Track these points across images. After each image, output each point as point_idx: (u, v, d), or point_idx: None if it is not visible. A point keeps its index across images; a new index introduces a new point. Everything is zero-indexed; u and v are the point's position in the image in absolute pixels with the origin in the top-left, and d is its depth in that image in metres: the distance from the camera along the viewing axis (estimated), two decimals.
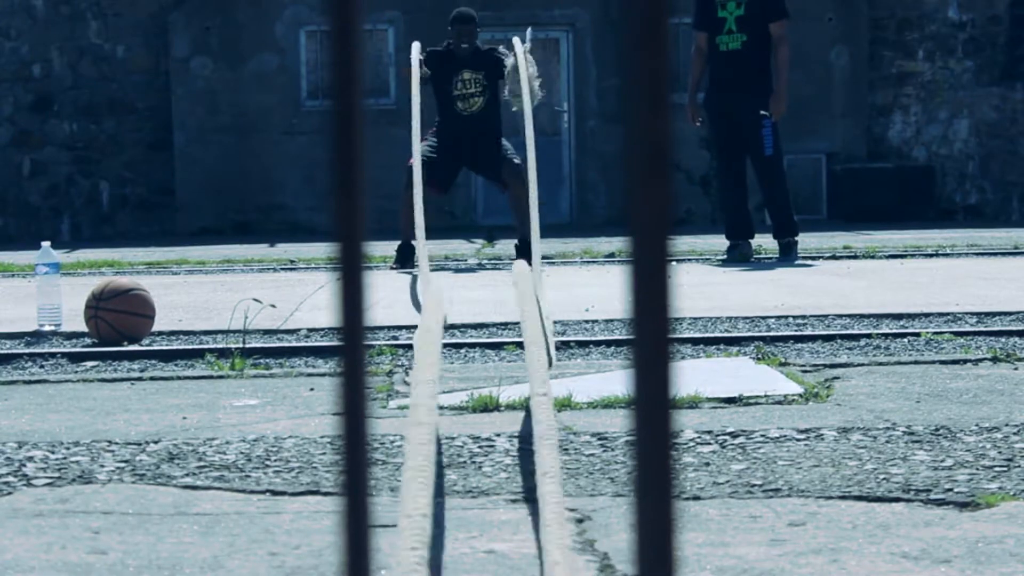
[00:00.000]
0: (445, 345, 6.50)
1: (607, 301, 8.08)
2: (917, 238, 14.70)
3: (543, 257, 12.08)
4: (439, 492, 3.53)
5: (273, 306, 7.29)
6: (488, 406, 4.72)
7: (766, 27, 11.60)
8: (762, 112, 11.52)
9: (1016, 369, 5.52)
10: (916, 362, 5.74)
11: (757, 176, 11.73)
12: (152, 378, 5.67)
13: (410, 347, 6.42)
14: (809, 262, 11.55)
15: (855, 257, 12.21)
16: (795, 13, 11.96)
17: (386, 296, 8.77)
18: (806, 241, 13.22)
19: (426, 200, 11.71)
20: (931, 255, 12.27)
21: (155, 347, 6.60)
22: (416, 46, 10.94)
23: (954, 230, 16.74)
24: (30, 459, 3.99)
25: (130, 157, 20.21)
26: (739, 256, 11.70)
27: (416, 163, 9.01)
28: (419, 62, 10.73)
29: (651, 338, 0.95)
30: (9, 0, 20.10)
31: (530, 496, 3.47)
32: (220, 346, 6.39)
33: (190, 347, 6.49)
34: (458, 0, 15.94)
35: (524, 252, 11.78)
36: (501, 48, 12.01)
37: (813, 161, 20.16)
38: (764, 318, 7.31)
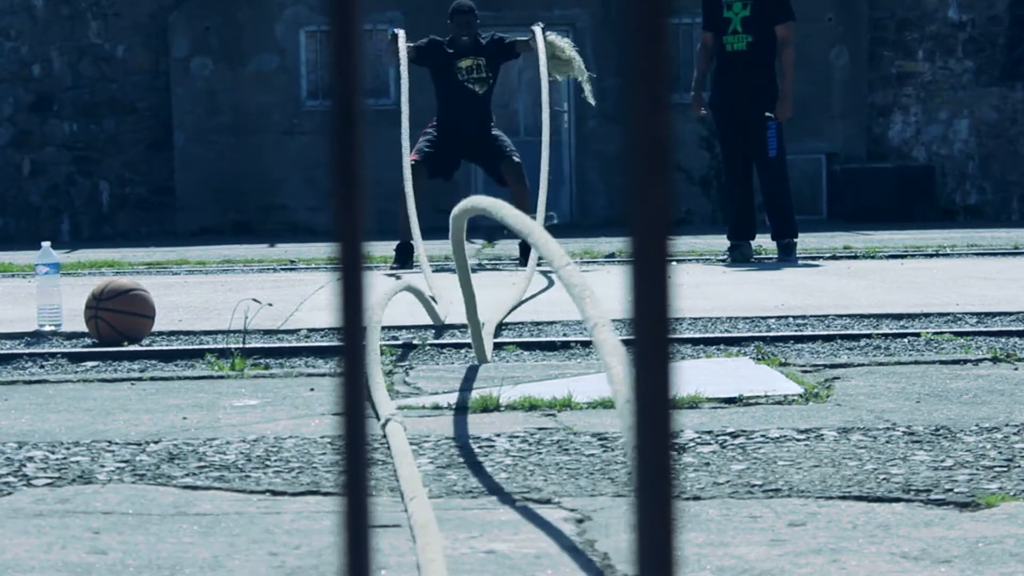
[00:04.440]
0: (446, 345, 6.50)
1: (607, 301, 8.07)
2: (917, 238, 14.71)
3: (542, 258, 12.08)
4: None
5: (270, 304, 7.29)
6: (488, 406, 4.72)
7: (772, 28, 11.61)
8: (767, 114, 11.53)
9: (1016, 369, 5.52)
10: (916, 362, 5.74)
11: (760, 177, 11.74)
12: (152, 378, 5.67)
13: (412, 347, 6.42)
14: (809, 262, 11.56)
15: (855, 257, 12.21)
16: (796, 13, 11.96)
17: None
18: (806, 241, 13.22)
19: (426, 196, 11.74)
20: (931, 255, 12.27)
21: (155, 347, 6.60)
22: (401, 33, 11.08)
23: (954, 230, 16.74)
24: (30, 459, 4.00)
25: (130, 157, 20.20)
26: (739, 256, 11.71)
27: (407, 170, 9.02)
28: (404, 47, 10.85)
29: (651, 338, 0.95)
30: (9, 0, 20.10)
31: (530, 496, 3.47)
32: (220, 346, 6.39)
33: (190, 347, 6.49)
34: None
35: (526, 252, 11.78)
36: (503, 36, 12.05)
37: (813, 161, 20.15)
38: (764, 318, 7.31)
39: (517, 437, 4.19)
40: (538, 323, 7.26)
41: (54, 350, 6.52)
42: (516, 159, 11.59)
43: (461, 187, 18.54)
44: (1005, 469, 3.65)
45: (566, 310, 7.68)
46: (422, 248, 8.22)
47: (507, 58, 11.81)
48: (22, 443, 4.24)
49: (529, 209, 11.78)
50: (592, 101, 11.78)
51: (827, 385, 5.13)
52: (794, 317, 7.35)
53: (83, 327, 6.87)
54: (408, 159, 10.71)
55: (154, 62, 20.15)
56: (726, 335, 6.65)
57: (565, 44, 11.38)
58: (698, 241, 14.71)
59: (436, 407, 4.78)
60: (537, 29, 11.21)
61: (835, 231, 16.57)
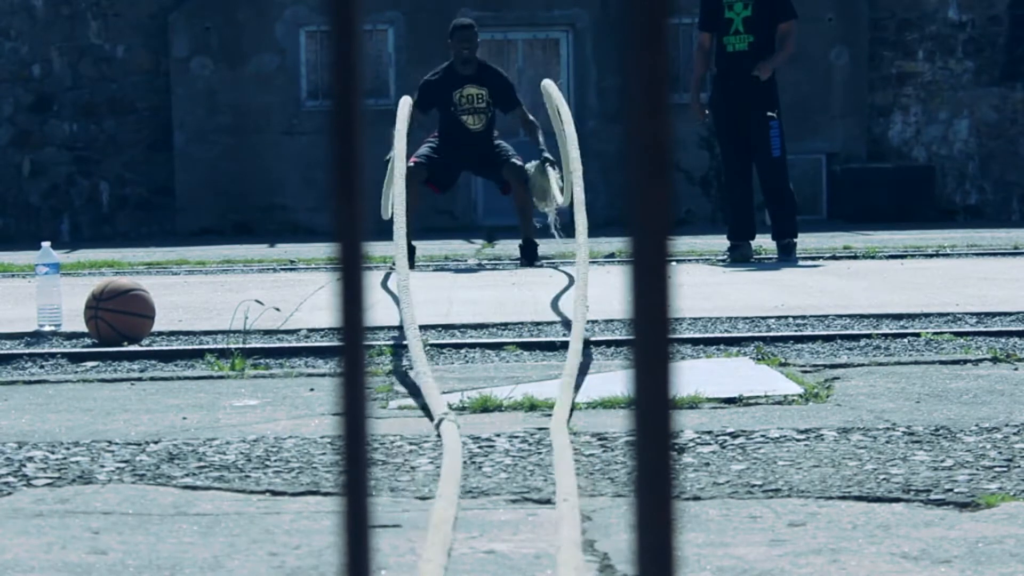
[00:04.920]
0: (445, 345, 6.50)
1: (607, 301, 8.08)
2: (917, 238, 14.70)
3: (543, 257, 12.10)
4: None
5: (277, 309, 7.30)
6: (488, 406, 4.72)
7: (773, 28, 11.61)
8: (768, 114, 11.52)
9: (1016, 369, 5.52)
10: (916, 362, 5.74)
11: (762, 177, 11.73)
12: (152, 378, 5.67)
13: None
14: (809, 262, 11.56)
15: (855, 257, 12.21)
16: (796, 13, 11.96)
17: (386, 296, 8.77)
18: (806, 241, 13.22)
19: (422, 198, 11.73)
20: (931, 255, 12.27)
21: (155, 347, 6.60)
22: (405, 103, 10.60)
23: (954, 230, 16.74)
24: (30, 459, 4.00)
25: (130, 157, 20.20)
26: (739, 256, 11.71)
27: (399, 169, 8.96)
28: (409, 115, 10.66)
29: (651, 338, 0.95)
30: (9, 0, 20.10)
31: (530, 496, 3.47)
32: (220, 346, 6.39)
33: (190, 347, 6.49)
34: (457, 1, 15.95)
35: (527, 253, 11.79)
36: (504, 73, 12.03)
37: (813, 161, 20.16)
38: (764, 318, 7.31)
39: (517, 437, 4.19)
40: (538, 323, 7.26)
41: (54, 350, 6.52)
42: (518, 162, 11.57)
43: (461, 189, 18.54)
44: (1005, 469, 3.65)
45: (566, 310, 7.67)
46: (403, 252, 8.13)
47: (504, 106, 11.68)
48: (22, 443, 4.24)
49: (531, 212, 11.79)
50: (556, 232, 11.31)
51: (827, 385, 5.13)
52: (794, 317, 7.35)
53: (83, 327, 6.87)
54: (405, 162, 10.70)
55: (154, 62, 20.15)
56: (726, 335, 6.65)
57: (553, 179, 11.26)
58: (698, 241, 14.71)
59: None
60: (550, 85, 11.18)
61: (835, 231, 16.57)
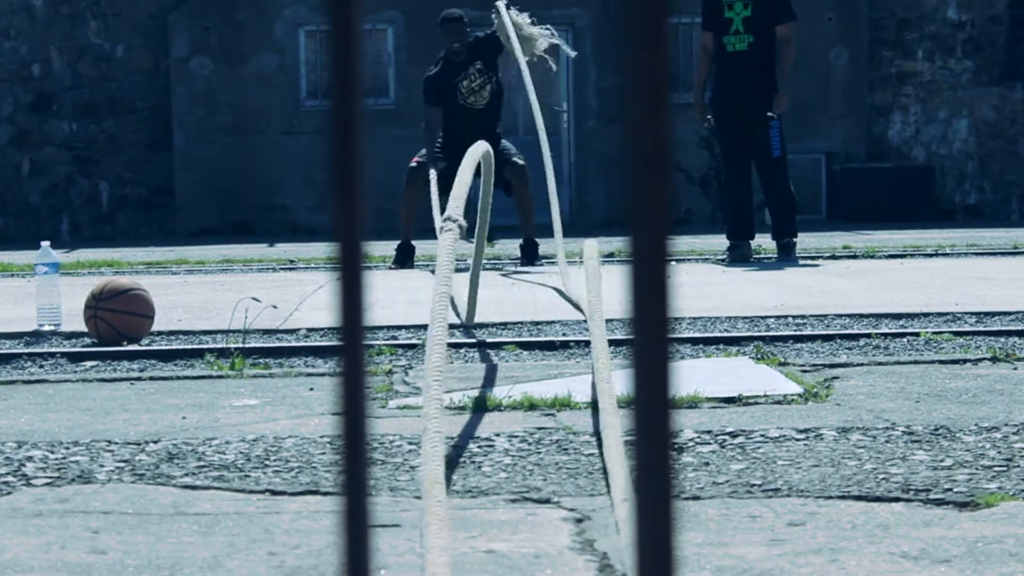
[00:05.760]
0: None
1: (607, 301, 8.07)
2: (917, 238, 14.70)
3: (543, 257, 12.10)
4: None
5: (275, 307, 7.29)
6: (488, 406, 4.72)
7: (773, 28, 11.61)
8: (769, 113, 11.52)
9: (1016, 369, 5.52)
10: (916, 362, 5.74)
11: (761, 177, 11.73)
12: (151, 378, 5.67)
13: (411, 347, 6.43)
14: (809, 262, 11.56)
15: (855, 257, 12.21)
16: (796, 13, 11.96)
17: (385, 296, 8.77)
18: (806, 241, 13.22)
19: (423, 198, 11.73)
20: (931, 255, 12.27)
21: (154, 347, 6.60)
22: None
23: (954, 230, 16.74)
24: (29, 459, 3.99)
25: (130, 157, 20.20)
26: (739, 256, 11.71)
27: (434, 174, 9.01)
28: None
29: (651, 338, 0.95)
30: (9, 0, 20.09)
31: (529, 496, 3.47)
32: (220, 346, 6.39)
33: (190, 347, 6.49)
34: (456, 0, 15.93)
35: (528, 252, 11.79)
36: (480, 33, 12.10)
37: (813, 161, 20.15)
38: (764, 318, 7.31)
39: (516, 437, 4.19)
40: (538, 323, 7.26)
41: (53, 350, 6.52)
42: (519, 161, 11.58)
43: None
44: (1004, 469, 3.65)
45: (565, 310, 7.67)
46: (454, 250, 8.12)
47: (496, 51, 11.79)
48: (21, 443, 4.24)
49: (532, 212, 11.79)
50: (572, 53, 11.72)
51: (826, 385, 5.13)
52: (793, 317, 7.35)
53: (82, 327, 6.87)
54: (416, 159, 10.77)
55: (154, 62, 20.15)
56: (725, 335, 6.65)
57: (523, 20, 11.28)
58: (698, 241, 14.71)
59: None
60: (500, 4, 11.20)
61: (835, 231, 16.57)
